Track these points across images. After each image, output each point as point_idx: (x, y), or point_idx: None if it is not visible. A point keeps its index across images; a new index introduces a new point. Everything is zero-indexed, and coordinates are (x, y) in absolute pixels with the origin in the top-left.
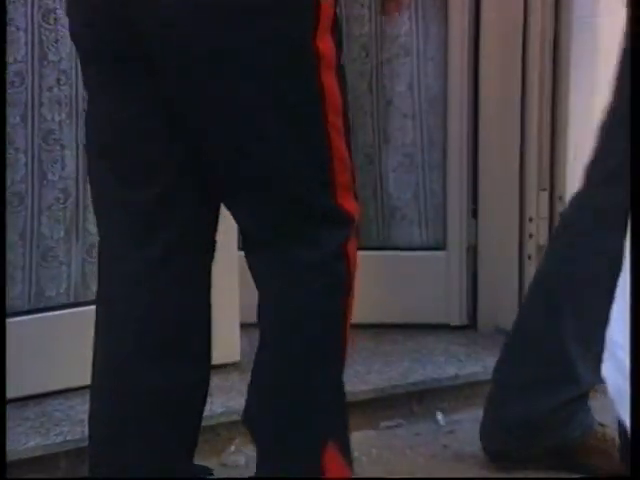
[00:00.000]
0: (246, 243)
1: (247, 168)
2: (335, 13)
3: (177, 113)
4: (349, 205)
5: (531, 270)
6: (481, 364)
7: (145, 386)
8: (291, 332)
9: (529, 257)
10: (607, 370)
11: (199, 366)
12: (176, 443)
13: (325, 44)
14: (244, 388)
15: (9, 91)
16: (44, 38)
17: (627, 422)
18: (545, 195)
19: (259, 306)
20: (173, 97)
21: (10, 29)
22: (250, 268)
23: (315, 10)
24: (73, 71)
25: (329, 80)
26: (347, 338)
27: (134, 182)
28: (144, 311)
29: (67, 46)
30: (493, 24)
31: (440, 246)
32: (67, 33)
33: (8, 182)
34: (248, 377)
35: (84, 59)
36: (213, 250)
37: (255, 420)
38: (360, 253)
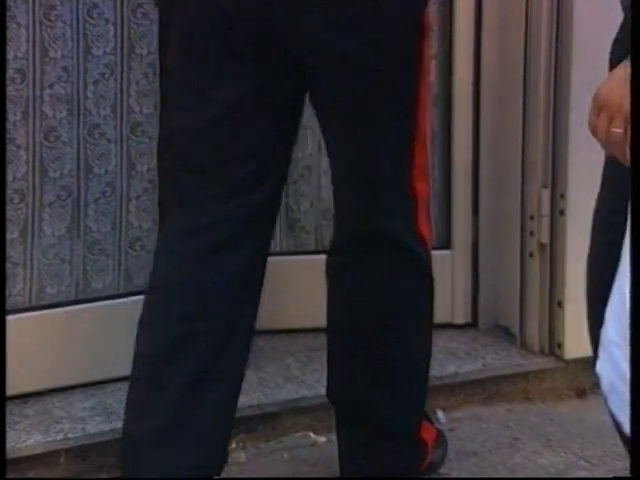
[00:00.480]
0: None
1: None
2: None
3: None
4: (421, 187)
5: (533, 268)
6: (481, 362)
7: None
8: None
9: (530, 255)
10: (601, 366)
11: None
12: (222, 429)
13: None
14: (247, 386)
15: (10, 88)
16: (45, 35)
17: (620, 417)
18: (547, 192)
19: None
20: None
21: (11, 26)
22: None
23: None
24: (75, 68)
25: (428, 54)
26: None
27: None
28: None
29: (68, 43)
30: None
31: (444, 245)
32: (68, 30)
33: (9, 178)
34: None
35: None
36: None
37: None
38: None
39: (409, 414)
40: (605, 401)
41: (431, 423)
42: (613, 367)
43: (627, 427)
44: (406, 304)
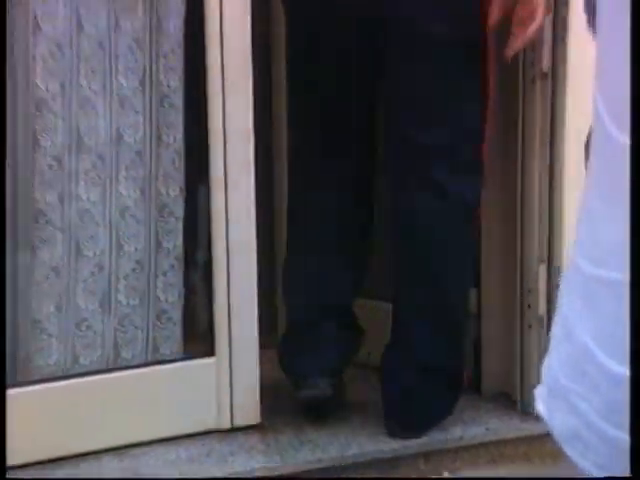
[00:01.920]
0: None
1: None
2: None
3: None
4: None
5: (532, 338)
6: (484, 426)
7: None
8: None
9: (529, 326)
10: (552, 412)
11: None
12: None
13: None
14: (265, 448)
15: (48, 170)
16: (80, 125)
17: (583, 463)
18: (544, 267)
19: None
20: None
21: (47, 115)
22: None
23: None
24: (107, 155)
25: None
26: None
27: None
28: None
29: (102, 133)
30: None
31: None
32: (102, 120)
33: (46, 257)
34: (269, 438)
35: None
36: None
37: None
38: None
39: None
40: (565, 448)
41: None
42: (577, 416)
43: (592, 470)
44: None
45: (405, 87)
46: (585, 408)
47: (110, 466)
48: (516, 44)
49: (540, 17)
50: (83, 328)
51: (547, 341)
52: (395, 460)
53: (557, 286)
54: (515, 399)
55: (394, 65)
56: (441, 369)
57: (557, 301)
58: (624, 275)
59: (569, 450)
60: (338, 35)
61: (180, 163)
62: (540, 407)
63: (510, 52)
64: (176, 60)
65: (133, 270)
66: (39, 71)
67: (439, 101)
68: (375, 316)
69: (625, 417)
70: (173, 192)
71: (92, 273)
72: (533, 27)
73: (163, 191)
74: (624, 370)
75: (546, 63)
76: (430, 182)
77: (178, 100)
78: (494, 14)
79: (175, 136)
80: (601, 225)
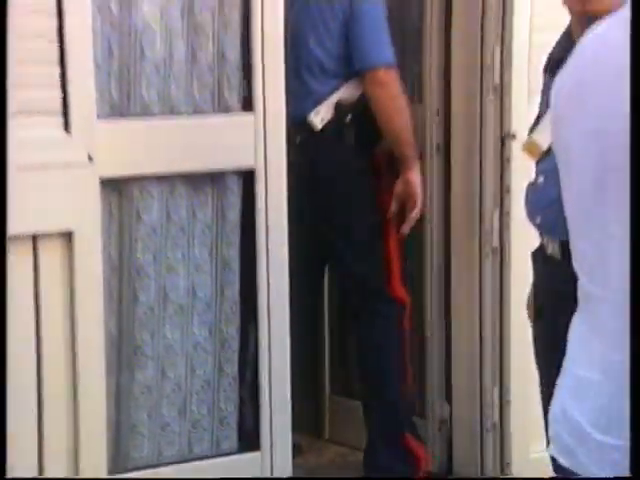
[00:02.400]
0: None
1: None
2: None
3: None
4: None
5: (488, 444)
6: None
7: None
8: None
9: (487, 430)
10: (580, 461)
11: None
12: None
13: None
14: None
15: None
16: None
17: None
18: (497, 390)
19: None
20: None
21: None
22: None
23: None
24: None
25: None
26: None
27: None
28: None
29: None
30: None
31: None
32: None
33: (139, 377)
34: None
35: None
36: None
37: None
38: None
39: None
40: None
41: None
42: (610, 465)
43: None
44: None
45: (340, 260)
46: (607, 447)
47: None
48: (407, 226)
49: (419, 206)
50: (166, 430)
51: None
52: None
53: (507, 402)
54: None
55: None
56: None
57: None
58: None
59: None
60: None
61: (236, 309)
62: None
63: (405, 230)
64: (234, 238)
65: (202, 387)
66: (139, 247)
67: (360, 264)
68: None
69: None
70: (231, 331)
71: (173, 390)
72: (414, 215)
73: (224, 331)
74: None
75: (495, 240)
76: (366, 312)
77: (235, 266)
78: (391, 207)
79: (233, 292)
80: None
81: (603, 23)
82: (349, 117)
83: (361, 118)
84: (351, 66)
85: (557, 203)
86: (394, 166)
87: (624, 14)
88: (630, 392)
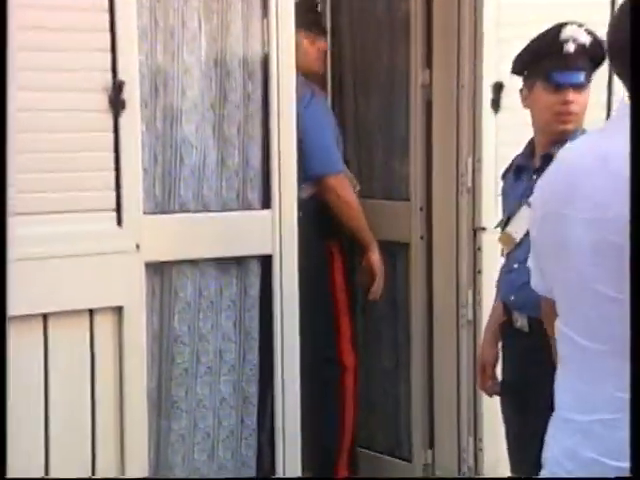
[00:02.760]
0: None
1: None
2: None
3: None
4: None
5: None
6: None
7: None
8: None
9: None
10: None
11: None
12: None
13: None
14: None
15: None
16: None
17: None
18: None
19: None
20: None
21: None
22: None
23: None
24: None
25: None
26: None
27: None
28: None
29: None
30: None
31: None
32: None
33: (176, 426)
34: None
35: None
36: None
37: None
38: None
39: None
40: None
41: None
42: None
43: None
44: None
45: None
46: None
47: None
48: (373, 295)
49: (380, 277)
50: (197, 473)
51: None
52: None
53: (481, 450)
54: None
55: None
56: None
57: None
58: None
59: None
60: None
61: (256, 371)
62: None
63: (373, 297)
64: (254, 312)
65: (227, 436)
66: (176, 318)
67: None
68: None
69: None
70: (252, 389)
71: (203, 438)
72: (376, 286)
73: (245, 389)
74: None
75: (470, 314)
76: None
77: (255, 334)
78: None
79: (253, 355)
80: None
81: (581, 139)
82: (300, 213)
83: (314, 213)
84: (304, 172)
85: (528, 285)
86: (345, 252)
87: (595, 133)
88: (630, 392)
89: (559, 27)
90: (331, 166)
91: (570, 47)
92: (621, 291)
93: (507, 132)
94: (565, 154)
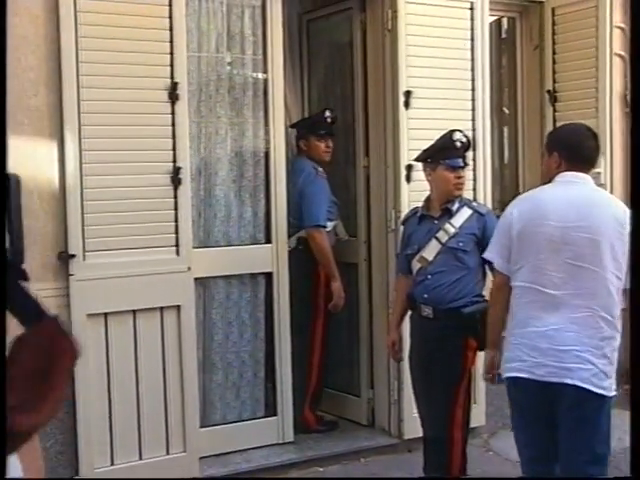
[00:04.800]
0: None
1: None
2: None
3: None
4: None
5: None
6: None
7: None
8: None
9: None
10: None
11: None
12: None
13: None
14: None
15: None
16: None
17: None
18: (396, 382)
19: None
20: None
21: None
22: None
23: None
24: None
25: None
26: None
27: None
28: None
29: None
30: None
31: None
32: None
33: None
34: None
35: None
36: None
37: None
38: None
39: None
40: None
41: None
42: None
43: None
44: None
45: None
46: None
47: None
48: (332, 308)
49: (336, 299)
50: (228, 408)
51: None
52: None
53: None
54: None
55: None
56: None
57: None
58: None
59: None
60: None
61: (263, 345)
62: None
63: (332, 309)
64: (262, 306)
65: (246, 384)
66: (213, 312)
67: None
68: None
69: None
70: (260, 355)
71: (231, 385)
72: (333, 304)
73: (257, 355)
74: None
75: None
76: None
77: (262, 323)
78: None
79: (261, 336)
80: None
81: (542, 189)
82: (301, 247)
83: (309, 248)
84: (301, 223)
85: (437, 288)
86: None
87: (548, 188)
88: (630, 393)
89: (451, 133)
90: (314, 222)
91: (458, 144)
92: (576, 260)
93: (415, 194)
94: (536, 196)
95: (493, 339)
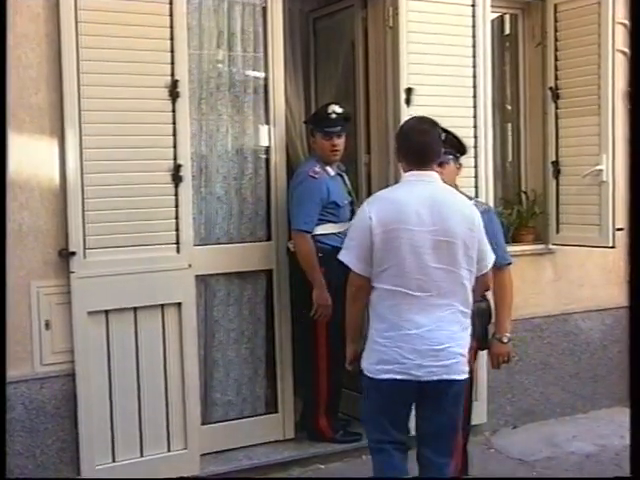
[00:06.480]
0: None
1: None
2: None
3: None
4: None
5: None
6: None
7: None
8: None
9: None
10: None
11: None
12: None
13: None
14: None
15: None
16: None
17: None
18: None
19: None
20: None
21: None
22: None
23: None
24: None
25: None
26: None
27: None
28: None
29: None
30: None
31: None
32: None
33: None
34: None
35: None
36: None
37: None
38: None
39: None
40: None
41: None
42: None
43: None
44: None
45: None
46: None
47: None
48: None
49: (316, 303)
50: (229, 405)
51: None
52: None
53: None
54: None
55: None
56: None
57: None
58: None
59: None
60: None
61: (263, 342)
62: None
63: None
64: (263, 301)
65: (247, 381)
66: (214, 309)
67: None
68: None
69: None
70: (261, 352)
71: (232, 382)
72: (315, 310)
73: (258, 352)
74: None
75: None
76: None
77: (262, 317)
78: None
79: (262, 333)
80: None
81: (391, 188)
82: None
83: None
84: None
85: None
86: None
87: (402, 186)
88: (630, 394)
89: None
90: (295, 226)
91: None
92: (436, 262)
93: None
94: (391, 198)
95: (353, 336)
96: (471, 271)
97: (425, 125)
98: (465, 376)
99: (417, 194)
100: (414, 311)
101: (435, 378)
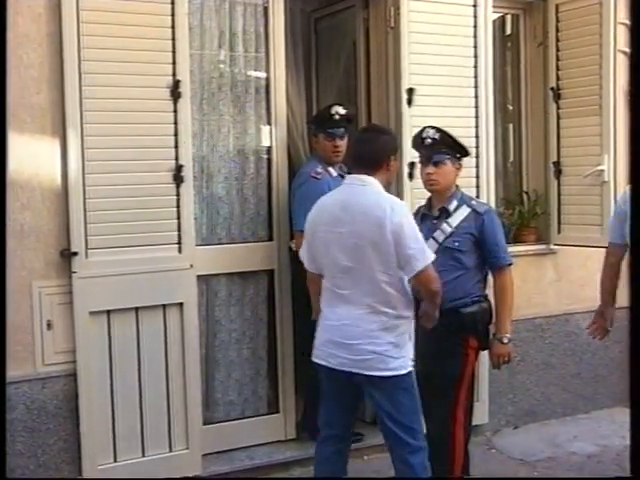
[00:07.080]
0: None
1: None
2: None
3: None
4: None
5: None
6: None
7: None
8: None
9: None
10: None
11: None
12: None
13: None
14: None
15: None
16: None
17: None
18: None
19: None
20: None
21: None
22: None
23: None
24: None
25: None
26: None
27: None
28: None
29: None
30: None
31: None
32: None
33: None
34: None
35: None
36: None
37: None
38: None
39: None
40: None
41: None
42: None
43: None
44: None
45: None
46: None
47: None
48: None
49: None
50: (230, 405)
51: None
52: None
53: None
54: None
55: None
56: None
57: None
58: None
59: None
60: None
61: (265, 342)
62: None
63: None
64: (264, 302)
65: (249, 381)
66: (216, 309)
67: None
68: None
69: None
70: (263, 353)
71: (234, 382)
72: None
73: (259, 352)
74: None
75: None
76: None
77: (264, 317)
78: None
79: (264, 334)
80: None
81: (331, 193)
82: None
83: None
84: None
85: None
86: None
87: (337, 191)
88: (630, 394)
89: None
90: (299, 226)
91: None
92: (351, 262)
93: (418, 192)
94: (322, 200)
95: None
96: (390, 274)
97: (369, 134)
98: (386, 373)
99: (336, 197)
100: (338, 306)
101: (346, 369)
